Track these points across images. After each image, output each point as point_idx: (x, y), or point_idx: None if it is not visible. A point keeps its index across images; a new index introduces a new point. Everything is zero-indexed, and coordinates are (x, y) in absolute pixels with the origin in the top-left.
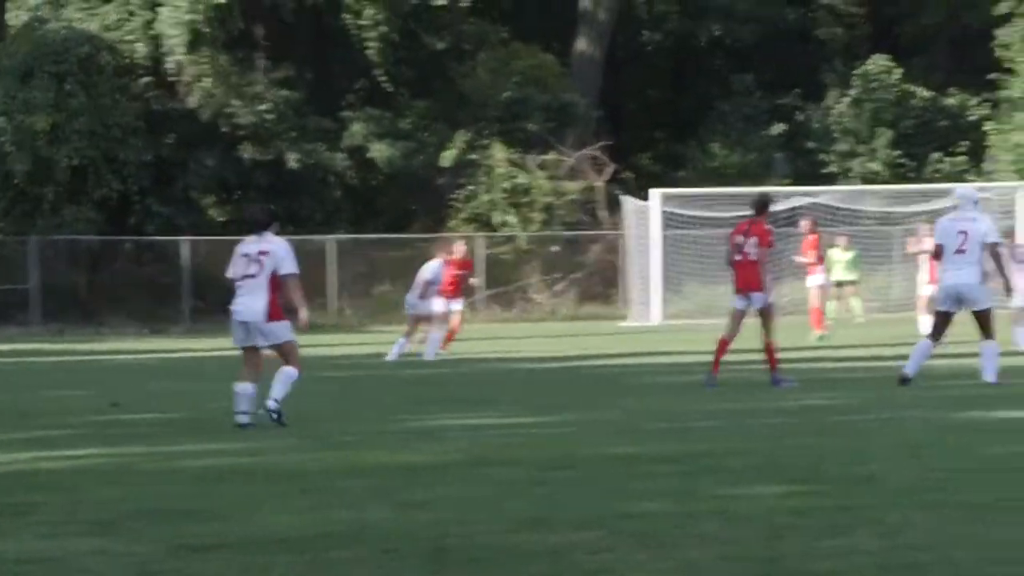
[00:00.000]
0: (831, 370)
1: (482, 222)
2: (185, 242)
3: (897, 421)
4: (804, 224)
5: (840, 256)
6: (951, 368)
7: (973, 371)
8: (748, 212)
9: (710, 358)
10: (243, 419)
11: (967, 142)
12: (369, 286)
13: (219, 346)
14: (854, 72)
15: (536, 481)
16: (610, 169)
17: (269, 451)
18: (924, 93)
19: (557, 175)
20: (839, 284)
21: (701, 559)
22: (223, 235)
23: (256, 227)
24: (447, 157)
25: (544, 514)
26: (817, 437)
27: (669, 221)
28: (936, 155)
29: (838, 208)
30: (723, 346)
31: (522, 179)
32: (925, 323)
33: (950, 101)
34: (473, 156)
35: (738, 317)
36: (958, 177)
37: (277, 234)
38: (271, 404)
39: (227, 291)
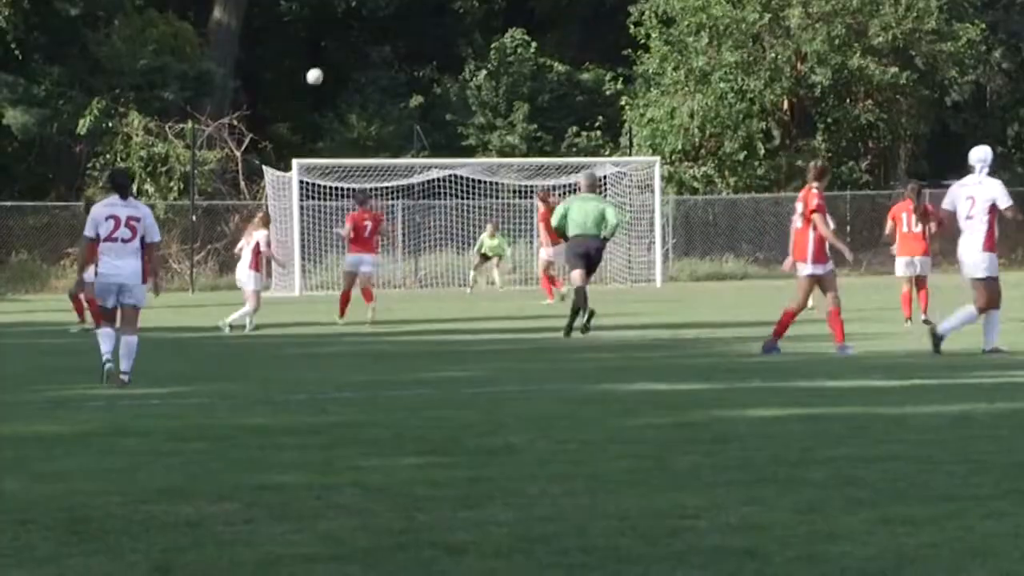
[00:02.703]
0: (467, 342)
1: None
2: None
3: (532, 393)
4: (541, 195)
5: (488, 242)
6: (588, 341)
7: (608, 344)
8: (386, 185)
9: (349, 329)
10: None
11: (603, 117)
12: (6, 254)
13: None
14: (491, 46)
15: (171, 452)
16: (247, 139)
17: None
18: (560, 68)
19: (195, 144)
20: (486, 257)
21: (339, 530)
22: None
23: (122, 190)
24: (83, 125)
25: (179, 485)
26: (454, 409)
27: (309, 192)
28: (573, 129)
29: (477, 181)
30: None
31: (159, 148)
32: None
33: (585, 76)
34: (109, 124)
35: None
36: (595, 151)
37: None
38: (127, 378)
39: None
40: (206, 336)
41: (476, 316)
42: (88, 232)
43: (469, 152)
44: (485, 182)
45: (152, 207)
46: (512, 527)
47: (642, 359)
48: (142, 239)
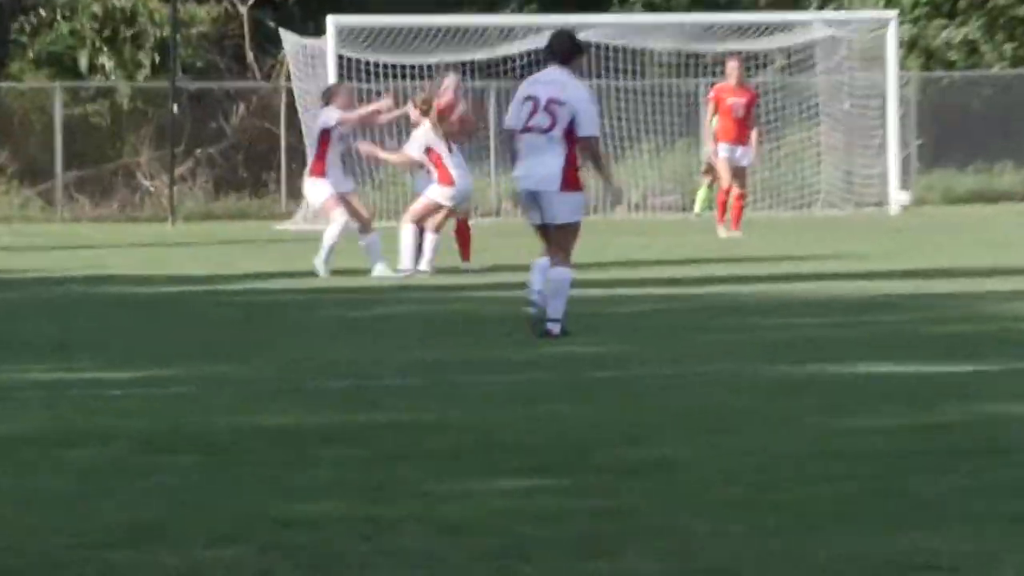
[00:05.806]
0: (596, 300)
1: (62, 66)
2: None
3: (691, 378)
4: (732, 65)
5: None
6: (778, 296)
7: (812, 302)
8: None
9: (411, 281)
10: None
11: None
12: None
13: None
14: None
15: (143, 469)
16: None
17: None
18: None
19: None
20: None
21: None
22: None
23: (554, 56)
24: None
25: (156, 519)
26: (572, 403)
27: (353, 70)
28: None
29: (613, 50)
30: None
31: (122, 0)
32: None
33: None
34: None
35: None
36: (797, 4)
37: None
38: (554, 328)
39: None
40: (197, 290)
41: (608, 261)
42: (506, 120)
43: (601, 5)
44: (626, 51)
45: (112, 91)
46: None
47: (866, 326)
48: (569, 131)
